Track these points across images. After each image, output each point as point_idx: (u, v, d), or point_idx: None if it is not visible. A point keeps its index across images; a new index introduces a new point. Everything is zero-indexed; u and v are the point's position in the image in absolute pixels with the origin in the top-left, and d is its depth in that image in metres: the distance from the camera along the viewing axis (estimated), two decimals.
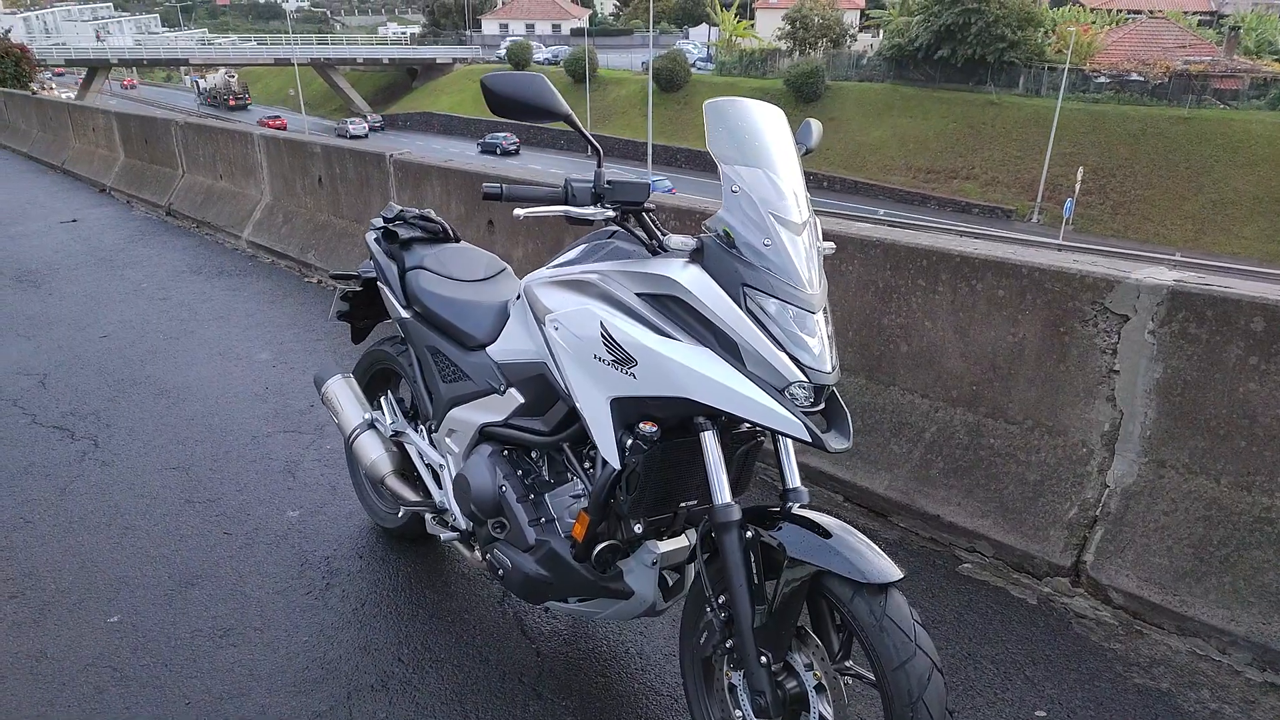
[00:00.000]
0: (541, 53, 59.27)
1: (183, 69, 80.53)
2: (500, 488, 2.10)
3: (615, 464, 1.80)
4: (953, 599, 2.61)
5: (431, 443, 2.54)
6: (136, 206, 9.14)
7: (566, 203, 1.79)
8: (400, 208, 2.73)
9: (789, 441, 1.77)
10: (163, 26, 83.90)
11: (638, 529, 1.89)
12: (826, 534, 1.64)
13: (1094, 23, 42.27)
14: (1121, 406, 2.58)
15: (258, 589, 2.70)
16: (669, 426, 1.76)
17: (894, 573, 1.55)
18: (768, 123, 1.81)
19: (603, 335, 1.77)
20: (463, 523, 2.32)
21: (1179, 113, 33.84)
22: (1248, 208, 30.20)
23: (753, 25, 54.88)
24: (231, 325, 5.20)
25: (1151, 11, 44.02)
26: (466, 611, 2.57)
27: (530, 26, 73.31)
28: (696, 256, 1.68)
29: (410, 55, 66.02)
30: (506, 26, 73.12)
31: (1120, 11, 46.99)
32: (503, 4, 79.46)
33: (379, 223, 2.69)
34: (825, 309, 1.70)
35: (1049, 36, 38.53)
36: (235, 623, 2.54)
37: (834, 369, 1.67)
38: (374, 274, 2.69)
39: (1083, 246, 28.45)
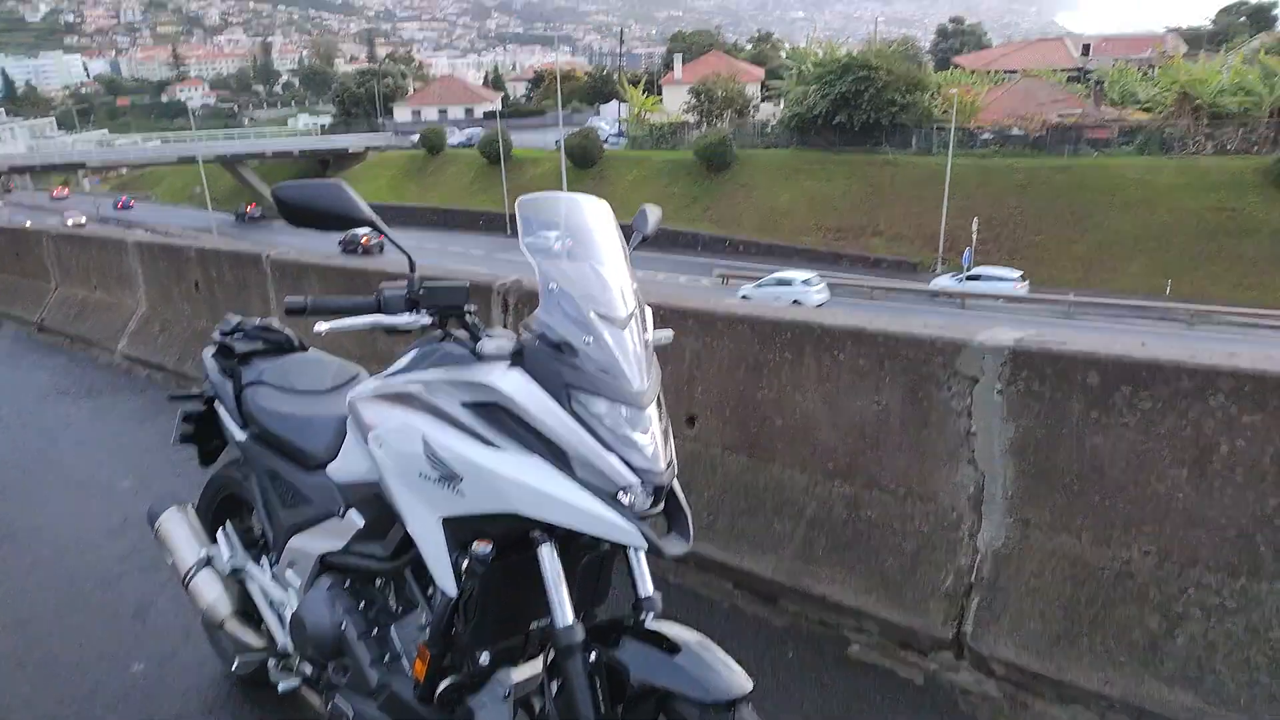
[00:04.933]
0: (456, 136, 59.91)
1: (80, 173, 78.64)
2: (340, 625, 1.94)
3: (451, 590, 1.69)
4: (841, 689, 2.54)
5: (275, 577, 2.36)
6: (6, 325, 8.64)
7: (379, 311, 1.71)
8: (239, 319, 2.59)
9: None
10: (59, 130, 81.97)
11: (484, 660, 1.76)
12: (675, 649, 1.55)
13: (974, 84, 45.17)
14: (982, 468, 2.58)
15: None
16: (507, 544, 1.66)
17: (742, 687, 1.47)
18: (586, 216, 1.78)
19: (425, 451, 1.67)
20: (307, 667, 2.14)
21: (1059, 162, 36.16)
22: (1129, 246, 32.14)
23: (660, 101, 56.80)
24: (95, 451, 4.88)
25: (1025, 71, 47.37)
26: None
27: (443, 111, 74.29)
28: (517, 360, 1.61)
29: (321, 146, 65.80)
30: (419, 113, 73.91)
31: (997, 72, 50.44)
32: (414, 91, 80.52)
33: (217, 336, 2.55)
34: (659, 401, 1.64)
35: (935, 99, 40.93)
36: None
37: (669, 466, 1.61)
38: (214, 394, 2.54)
39: (985, 293, 29.71)
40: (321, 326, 1.97)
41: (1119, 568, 2.34)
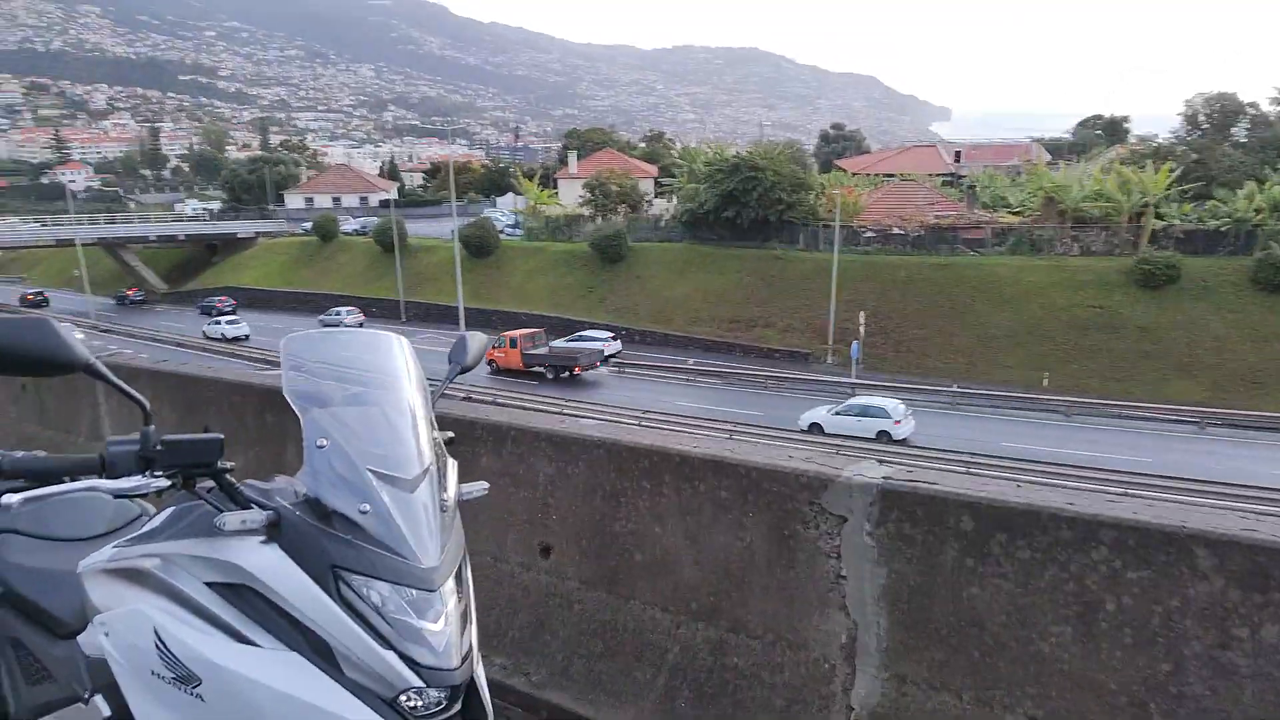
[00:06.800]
0: (350, 224, 59.05)
1: None
2: None
3: None
4: None
5: None
6: None
7: (101, 473, 1.36)
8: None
9: None
10: None
11: None
12: None
13: (856, 185, 48.00)
14: (854, 616, 2.34)
15: None
16: None
17: None
18: (376, 354, 1.50)
19: (157, 645, 1.31)
20: None
21: (938, 260, 38.37)
22: (1007, 340, 34.06)
23: (555, 194, 57.81)
24: None
25: (903, 174, 50.71)
26: None
27: (337, 199, 73.30)
28: (273, 532, 1.28)
29: (208, 231, 63.80)
30: (312, 200, 72.70)
31: (877, 175, 53.85)
32: (308, 179, 79.44)
33: None
34: (458, 577, 1.34)
35: (819, 198, 43.10)
36: None
37: (465, 659, 1.30)
38: None
39: (874, 384, 30.73)
40: (12, 498, 1.57)
41: None
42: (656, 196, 55.74)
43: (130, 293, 57.11)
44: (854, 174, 54.65)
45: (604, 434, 2.85)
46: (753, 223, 41.31)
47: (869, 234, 41.31)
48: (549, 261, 46.23)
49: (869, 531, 2.27)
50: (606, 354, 34.47)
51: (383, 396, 1.42)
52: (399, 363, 1.50)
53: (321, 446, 1.32)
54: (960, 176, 54.90)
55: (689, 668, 2.63)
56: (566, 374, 32.42)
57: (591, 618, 2.87)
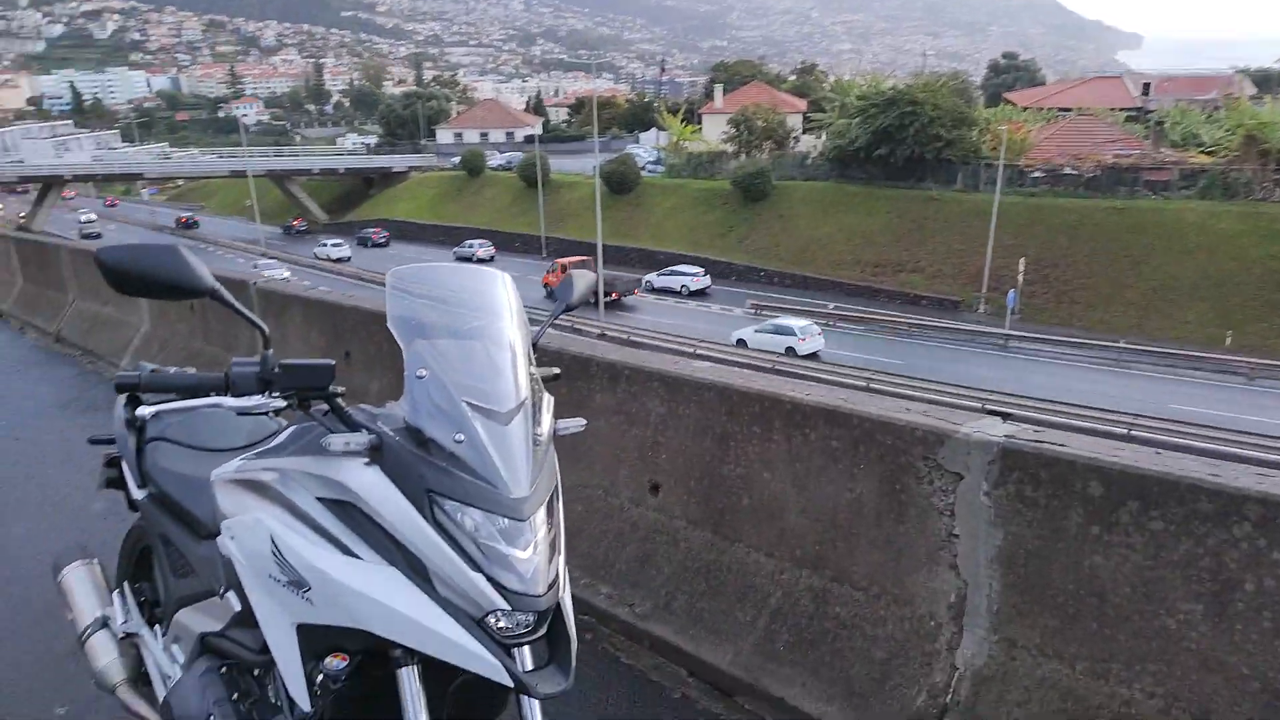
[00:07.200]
0: (496, 159, 60.54)
1: (139, 183, 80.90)
2: (209, 716, 1.71)
3: (305, 705, 1.45)
4: None
5: (165, 648, 2.14)
6: (28, 332, 8.73)
7: (226, 391, 1.47)
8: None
9: None
10: (122, 142, 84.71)
11: None
12: None
13: (1025, 121, 44.28)
14: (965, 575, 2.25)
15: None
16: (369, 659, 1.41)
17: None
18: (475, 289, 1.53)
19: (273, 551, 1.43)
20: None
21: (1113, 204, 35.05)
22: (1187, 293, 30.94)
23: (699, 129, 56.83)
24: (78, 472, 4.72)
25: (1080, 109, 46.30)
26: None
27: (484, 134, 75.24)
28: (375, 455, 1.36)
29: (365, 165, 67.09)
30: (461, 135, 74.95)
31: (1050, 109, 49.43)
32: (457, 114, 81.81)
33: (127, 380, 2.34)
34: (548, 507, 1.38)
35: (983, 135, 40.16)
36: None
37: (551, 587, 1.35)
38: None
39: (1030, 335, 28.90)
40: (145, 410, 1.73)
41: (1118, 708, 1.99)
42: (804, 132, 53.66)
43: (295, 223, 61.59)
44: (1024, 108, 50.25)
45: (716, 377, 2.83)
46: (906, 161, 39.04)
47: (1037, 174, 38.15)
48: (689, 199, 45.81)
49: (986, 491, 2.16)
50: (693, 288, 37.77)
51: (483, 330, 1.44)
52: (501, 298, 1.52)
53: (421, 377, 1.35)
54: (1148, 111, 49.34)
55: (790, 613, 2.62)
56: (609, 298, 34.16)
57: (697, 556, 2.90)
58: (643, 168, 50.59)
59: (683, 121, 56.77)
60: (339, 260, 48.50)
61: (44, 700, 2.74)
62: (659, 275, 38.97)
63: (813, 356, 27.40)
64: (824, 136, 46.14)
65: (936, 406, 2.43)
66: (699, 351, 25.18)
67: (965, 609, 2.26)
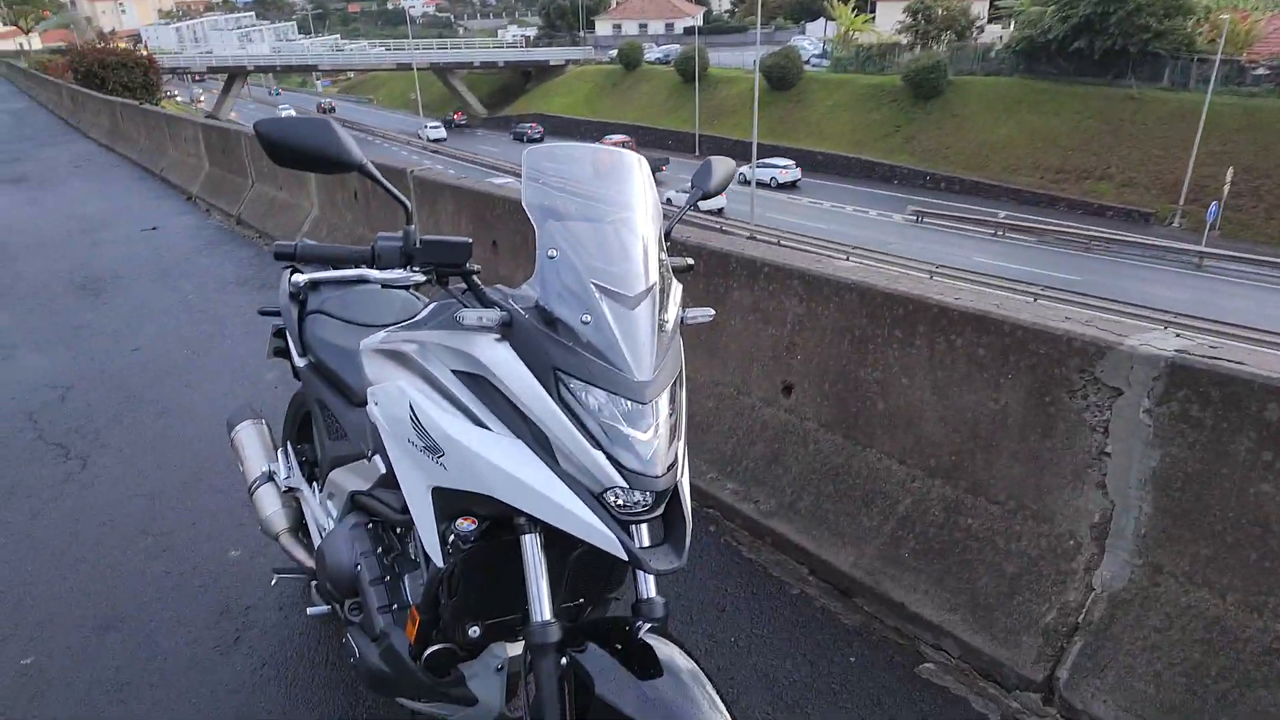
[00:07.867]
0: (653, 52, 59.12)
1: (314, 74, 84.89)
2: (356, 565, 1.92)
3: (438, 561, 1.59)
4: (904, 710, 2.24)
5: (321, 504, 2.38)
6: (214, 215, 9.55)
7: (372, 264, 1.57)
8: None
9: None
10: (299, 34, 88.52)
11: (475, 632, 1.66)
12: (656, 671, 1.36)
13: (1254, 9, 38.38)
14: (1114, 496, 2.14)
15: (169, 638, 2.62)
16: (497, 524, 1.52)
17: None
18: (609, 170, 1.54)
19: (412, 418, 1.54)
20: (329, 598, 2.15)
21: None
22: None
23: (872, 19, 53.00)
24: (255, 342, 5.26)
25: None
26: (360, 694, 2.39)
27: (643, 26, 73.46)
28: (506, 332, 1.42)
29: (524, 58, 67.29)
30: (619, 26, 73.54)
31: None
32: (616, 4, 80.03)
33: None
34: (671, 393, 1.41)
35: (1200, 25, 35.23)
36: (136, 675, 2.46)
37: (670, 469, 1.39)
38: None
39: (1231, 254, 25.98)
40: (300, 278, 1.86)
41: (1269, 643, 1.87)
42: (990, 22, 49.02)
43: (456, 116, 63.54)
44: None
45: (858, 277, 2.74)
46: (1106, 54, 34.89)
47: (1260, 71, 33.28)
48: (854, 96, 43.23)
49: (1148, 409, 2.01)
50: (782, 180, 38.33)
51: (614, 214, 1.44)
52: (636, 183, 1.51)
53: (552, 257, 1.37)
54: None
55: (918, 521, 2.59)
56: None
57: (826, 459, 2.89)
58: (807, 61, 47.97)
59: (854, 11, 53.02)
60: (436, 141, 55.49)
61: (221, 543, 3.10)
62: (750, 166, 35.73)
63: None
64: (1012, 26, 41.92)
65: (1100, 315, 2.26)
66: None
67: (1110, 530, 2.15)
